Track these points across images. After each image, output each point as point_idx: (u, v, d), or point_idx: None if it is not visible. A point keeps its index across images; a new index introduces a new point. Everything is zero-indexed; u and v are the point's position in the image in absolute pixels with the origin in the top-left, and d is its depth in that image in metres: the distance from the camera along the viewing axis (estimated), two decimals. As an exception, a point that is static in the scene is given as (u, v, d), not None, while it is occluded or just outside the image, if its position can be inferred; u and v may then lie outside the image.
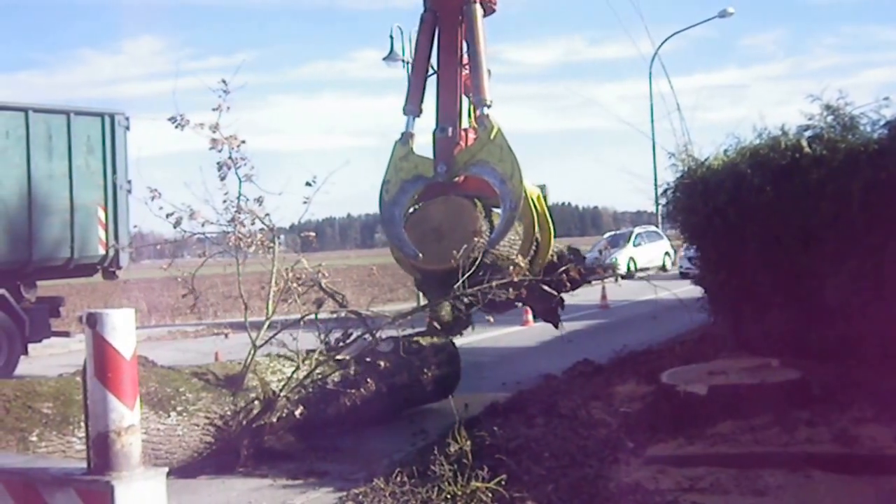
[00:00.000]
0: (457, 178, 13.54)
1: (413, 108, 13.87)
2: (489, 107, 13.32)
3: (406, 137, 13.77)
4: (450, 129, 13.53)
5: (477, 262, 11.70)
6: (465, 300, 11.94)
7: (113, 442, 4.28)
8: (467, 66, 13.85)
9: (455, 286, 11.44)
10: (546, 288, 12.59)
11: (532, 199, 13.63)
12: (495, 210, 13.59)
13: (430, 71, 14.00)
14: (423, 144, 13.87)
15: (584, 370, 13.90)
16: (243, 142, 10.76)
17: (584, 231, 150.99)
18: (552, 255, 14.21)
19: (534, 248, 13.71)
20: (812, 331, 10.99)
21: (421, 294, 17.76)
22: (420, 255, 12.98)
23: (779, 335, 11.38)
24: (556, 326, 14.93)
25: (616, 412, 10.61)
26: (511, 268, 12.53)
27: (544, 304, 14.18)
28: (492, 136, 13.12)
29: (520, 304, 14.07)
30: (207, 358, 14.05)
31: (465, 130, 14.07)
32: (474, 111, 13.96)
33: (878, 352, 10.39)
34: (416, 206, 13.80)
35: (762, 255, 11.62)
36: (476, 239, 12.45)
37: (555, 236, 14.49)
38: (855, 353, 10.44)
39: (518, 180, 12.88)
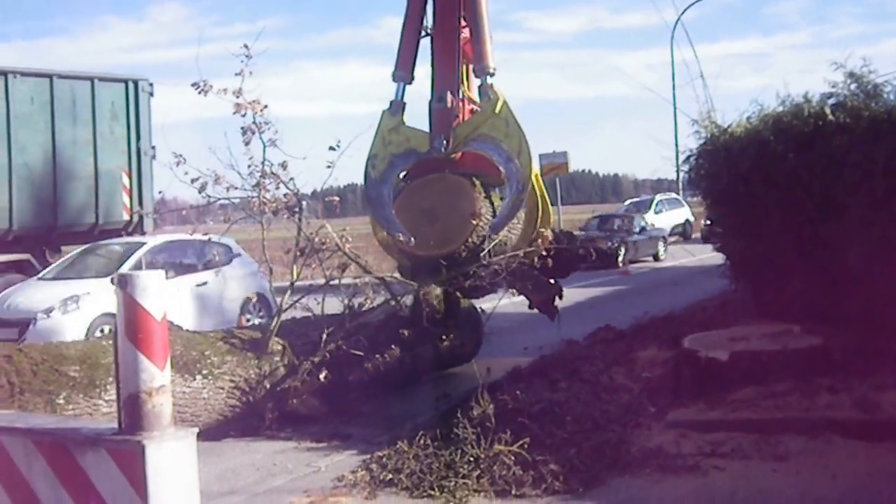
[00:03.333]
0: (453, 155, 12.25)
1: (404, 73, 12.40)
2: (492, 75, 12.03)
3: (396, 107, 12.34)
4: (449, 99, 12.08)
5: (476, 250, 11.25)
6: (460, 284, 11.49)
7: (144, 402, 4.34)
8: (465, 28, 12.47)
9: (454, 269, 11.13)
10: (545, 278, 12.26)
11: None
12: (494, 190, 12.54)
13: (424, 32, 12.60)
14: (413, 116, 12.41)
15: (606, 336, 13.90)
16: (266, 107, 10.80)
17: (604, 198, 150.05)
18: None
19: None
20: (834, 298, 10.97)
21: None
22: (413, 239, 11.55)
23: (800, 302, 11.36)
24: (553, 318, 13.51)
25: (638, 377, 10.66)
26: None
27: (540, 295, 13.10)
28: (497, 110, 11.80)
29: (514, 293, 12.73)
30: (231, 322, 14.14)
31: (462, 101, 12.62)
32: (467, 77, 12.75)
33: (900, 319, 10.38)
34: (403, 185, 12.51)
35: (784, 221, 11.59)
36: (475, 222, 11.45)
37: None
38: (876, 320, 10.41)
39: (527, 158, 11.69)
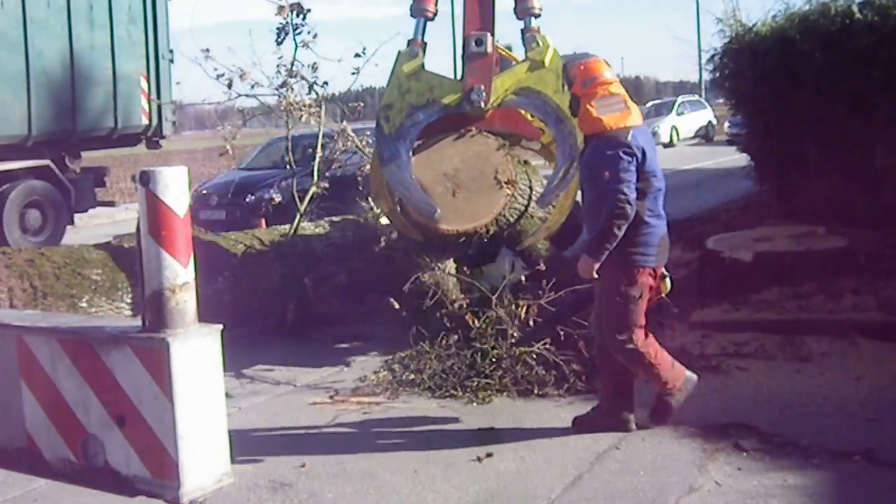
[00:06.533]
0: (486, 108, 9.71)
1: (425, 6, 9.78)
2: (538, 16, 9.66)
3: (416, 48, 9.67)
4: (489, 42, 9.52)
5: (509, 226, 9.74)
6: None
7: (168, 299, 4.31)
8: None
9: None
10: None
11: None
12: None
13: None
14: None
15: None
16: (309, 10, 10.81)
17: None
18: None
19: None
20: (859, 199, 10.91)
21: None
22: (439, 211, 9.30)
23: (826, 203, 11.31)
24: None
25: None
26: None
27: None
28: (546, 61, 9.48)
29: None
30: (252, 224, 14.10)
31: None
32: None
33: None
34: (419, 142, 9.95)
35: (810, 122, 11.49)
36: (509, 192, 9.52)
37: None
38: (902, 221, 10.37)
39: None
